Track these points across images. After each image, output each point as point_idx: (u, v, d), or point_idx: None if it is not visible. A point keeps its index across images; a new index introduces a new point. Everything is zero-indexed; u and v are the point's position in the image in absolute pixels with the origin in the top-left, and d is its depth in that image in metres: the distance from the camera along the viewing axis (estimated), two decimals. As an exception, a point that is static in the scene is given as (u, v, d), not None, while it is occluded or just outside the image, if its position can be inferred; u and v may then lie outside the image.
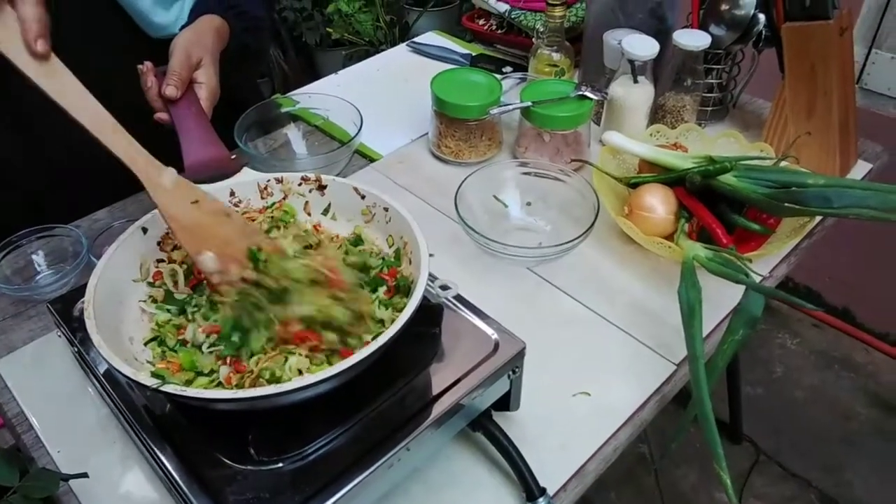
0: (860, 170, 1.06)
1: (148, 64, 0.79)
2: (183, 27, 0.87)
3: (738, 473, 1.65)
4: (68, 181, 0.94)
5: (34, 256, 0.87)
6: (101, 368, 0.63)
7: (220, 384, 0.57)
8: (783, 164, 0.90)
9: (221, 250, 0.61)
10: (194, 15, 0.89)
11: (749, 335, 0.73)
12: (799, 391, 1.85)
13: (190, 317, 0.63)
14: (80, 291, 0.67)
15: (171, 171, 0.64)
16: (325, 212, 0.73)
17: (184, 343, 0.62)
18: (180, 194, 0.63)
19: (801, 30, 0.94)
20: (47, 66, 0.60)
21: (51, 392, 0.73)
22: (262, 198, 0.73)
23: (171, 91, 0.76)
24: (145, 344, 0.62)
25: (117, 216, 0.95)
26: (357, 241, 0.71)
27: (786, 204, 0.81)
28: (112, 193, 0.97)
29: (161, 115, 0.78)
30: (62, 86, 0.61)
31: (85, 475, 0.62)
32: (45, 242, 0.87)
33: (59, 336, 0.72)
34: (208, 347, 0.60)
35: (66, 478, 0.62)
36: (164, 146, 0.77)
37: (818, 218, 0.90)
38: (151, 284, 0.66)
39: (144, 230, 0.67)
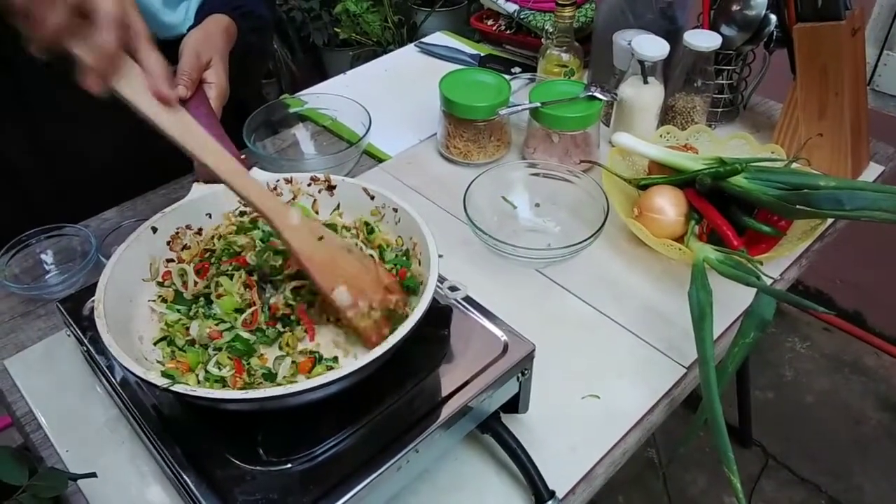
0: (872, 172, 1.05)
1: (157, 64, 0.79)
2: (190, 28, 0.87)
3: (747, 478, 1.64)
4: (75, 182, 0.94)
5: (43, 256, 0.87)
6: (110, 368, 0.63)
7: (226, 384, 0.57)
8: (794, 165, 0.89)
9: (350, 284, 0.61)
10: (200, 15, 0.89)
11: (760, 338, 0.72)
12: (809, 395, 1.83)
13: (193, 314, 0.64)
14: (89, 291, 0.67)
15: (298, 210, 0.64)
16: (334, 212, 0.73)
17: (192, 343, 0.62)
18: (307, 231, 0.62)
19: (813, 30, 0.94)
20: (174, 112, 0.62)
21: (59, 391, 0.73)
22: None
23: (181, 91, 0.76)
24: (155, 343, 0.62)
25: (126, 215, 0.95)
26: (370, 230, 0.71)
27: (797, 206, 0.80)
28: (116, 195, 0.98)
29: (171, 116, 0.78)
30: (188, 131, 0.62)
31: (93, 475, 0.62)
32: (55, 242, 0.87)
33: (68, 335, 0.72)
34: (213, 350, 0.60)
35: (75, 477, 0.62)
36: (175, 146, 0.77)
37: (829, 220, 0.90)
38: (161, 284, 0.66)
39: (154, 229, 0.67)
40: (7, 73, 0.85)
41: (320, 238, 0.62)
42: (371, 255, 0.67)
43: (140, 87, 0.60)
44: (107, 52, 0.57)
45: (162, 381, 0.51)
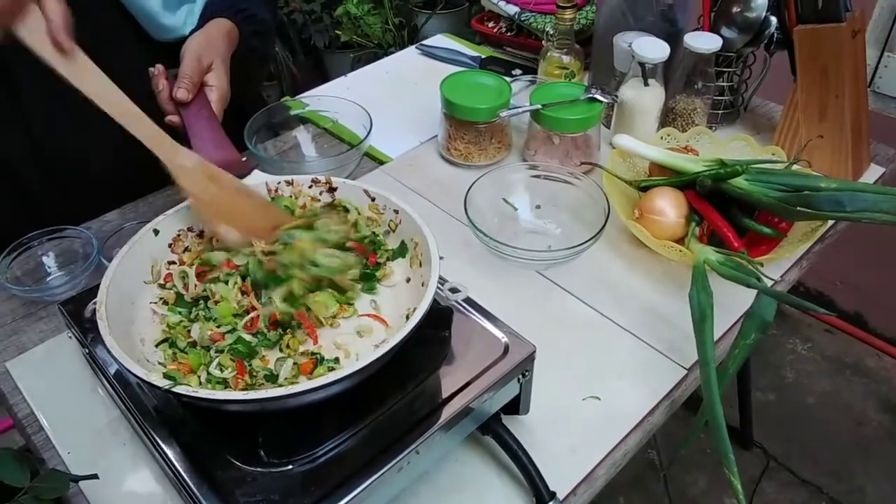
0: (873, 173, 1.05)
1: (159, 67, 0.79)
2: (193, 31, 0.87)
3: (748, 480, 1.64)
4: (76, 184, 0.95)
5: (45, 258, 0.87)
6: (112, 369, 0.64)
7: (228, 386, 0.58)
8: (795, 167, 0.89)
9: (243, 224, 0.67)
10: (204, 19, 0.89)
11: (760, 340, 0.72)
12: (810, 397, 1.83)
13: (193, 316, 0.64)
14: (90, 293, 0.68)
15: (191, 152, 0.69)
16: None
17: (194, 345, 0.62)
18: (199, 173, 0.68)
19: (814, 32, 0.94)
20: (72, 58, 0.63)
21: (61, 393, 0.73)
22: (272, 200, 0.73)
23: (182, 94, 0.77)
24: (156, 345, 0.62)
25: (128, 217, 0.95)
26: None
27: (797, 208, 0.80)
28: (118, 197, 0.98)
29: (172, 118, 0.78)
30: (87, 76, 0.64)
31: (95, 476, 0.62)
32: (56, 244, 0.88)
33: (70, 337, 0.72)
34: (215, 352, 0.60)
35: (76, 479, 0.62)
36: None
37: (830, 222, 0.90)
38: (162, 286, 0.66)
39: (156, 231, 0.67)
40: (6, 75, 0.85)
41: (212, 178, 0.68)
42: (268, 201, 0.72)
43: (41, 35, 0.62)
44: None
45: (163, 383, 0.51)
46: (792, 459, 1.69)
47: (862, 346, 1.95)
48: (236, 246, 0.67)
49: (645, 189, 0.90)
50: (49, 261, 0.87)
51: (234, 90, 0.85)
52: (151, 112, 0.79)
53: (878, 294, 1.88)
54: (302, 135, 1.11)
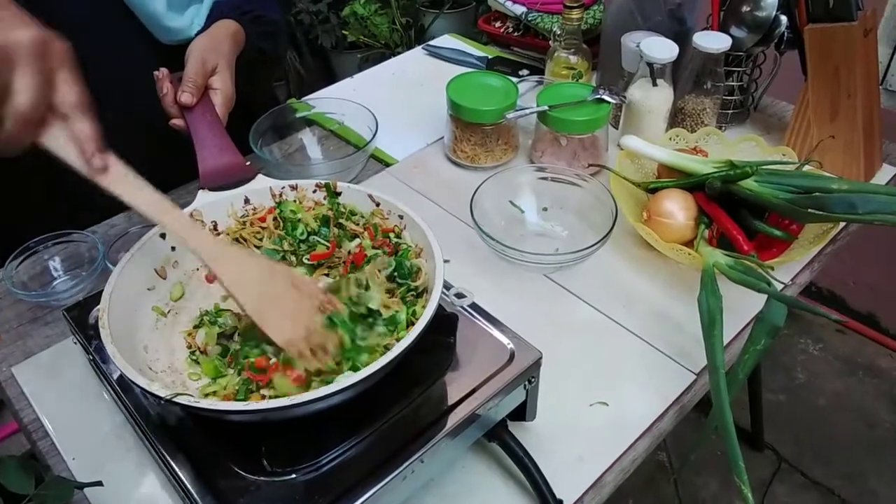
0: (885, 174, 1.03)
1: (164, 70, 0.79)
2: (199, 33, 0.87)
3: (759, 481, 1.63)
4: (82, 188, 0.95)
5: (51, 262, 0.87)
6: (116, 376, 0.63)
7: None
8: (806, 168, 0.88)
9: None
10: (210, 21, 0.89)
11: (771, 345, 0.71)
12: (822, 398, 1.81)
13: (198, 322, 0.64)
14: (95, 298, 0.67)
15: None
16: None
17: (202, 352, 0.62)
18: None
19: (825, 31, 0.92)
20: (107, 173, 0.58)
21: (66, 398, 0.73)
22: (277, 205, 0.72)
23: (186, 98, 0.76)
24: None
25: (134, 221, 0.95)
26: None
27: (809, 210, 0.79)
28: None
29: (177, 122, 0.78)
30: (126, 187, 0.59)
31: (100, 483, 0.62)
32: (62, 248, 0.87)
33: (75, 343, 0.72)
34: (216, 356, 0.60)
35: (81, 486, 0.62)
36: (180, 152, 0.77)
37: (842, 224, 0.89)
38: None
39: (163, 235, 0.67)
40: None
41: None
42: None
43: (71, 146, 0.57)
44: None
45: (165, 393, 0.51)
46: (803, 461, 1.67)
47: (874, 346, 1.93)
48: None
49: (653, 191, 0.89)
50: (55, 265, 0.87)
51: (243, 92, 0.85)
52: (158, 115, 0.79)
53: (891, 294, 1.86)
54: (307, 137, 1.11)
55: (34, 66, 0.53)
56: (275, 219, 0.71)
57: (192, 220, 0.62)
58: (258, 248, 0.70)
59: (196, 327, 0.65)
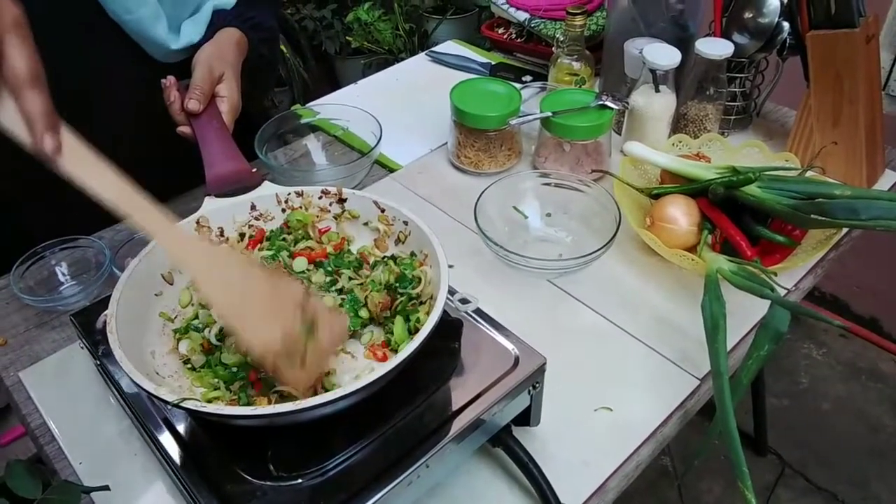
0: (888, 180, 1.03)
1: (171, 78, 0.80)
2: (202, 41, 0.87)
3: (762, 486, 1.63)
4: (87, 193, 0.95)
5: (57, 267, 0.87)
6: (123, 381, 0.64)
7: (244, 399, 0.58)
8: (809, 174, 0.89)
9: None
10: (213, 29, 0.89)
11: (775, 350, 0.72)
12: (825, 403, 1.81)
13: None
14: (102, 303, 0.68)
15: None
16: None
17: (210, 352, 0.62)
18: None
19: (827, 38, 0.93)
20: (61, 154, 0.54)
21: (73, 403, 0.74)
22: (283, 211, 0.73)
23: (193, 105, 0.77)
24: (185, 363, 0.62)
25: (139, 227, 0.96)
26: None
27: (812, 215, 0.79)
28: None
29: (184, 129, 0.79)
30: (79, 164, 0.55)
31: (106, 488, 0.62)
32: (69, 253, 0.88)
33: (82, 347, 0.72)
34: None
35: (88, 490, 0.62)
36: (186, 159, 0.78)
37: (845, 230, 0.89)
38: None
39: None
40: None
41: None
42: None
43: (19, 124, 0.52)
44: None
45: (172, 397, 0.51)
46: (807, 466, 1.67)
47: (877, 351, 1.92)
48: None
49: (656, 197, 0.90)
50: (62, 270, 0.88)
51: (244, 99, 0.85)
52: (163, 123, 0.79)
53: (894, 299, 1.86)
54: (312, 143, 1.12)
55: None
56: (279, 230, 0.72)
57: (159, 213, 0.56)
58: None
59: (180, 337, 0.64)
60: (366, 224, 0.72)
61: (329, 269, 0.68)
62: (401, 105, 1.22)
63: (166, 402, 0.52)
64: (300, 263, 0.68)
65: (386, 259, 0.69)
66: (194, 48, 0.86)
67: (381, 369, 0.53)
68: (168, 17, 0.86)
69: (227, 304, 0.54)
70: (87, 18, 0.83)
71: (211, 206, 0.70)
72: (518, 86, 1.06)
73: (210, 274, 0.55)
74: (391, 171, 1.08)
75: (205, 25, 0.90)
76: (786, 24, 1.00)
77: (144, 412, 0.61)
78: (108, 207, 0.53)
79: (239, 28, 0.89)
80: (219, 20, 0.90)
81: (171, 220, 0.57)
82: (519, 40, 1.32)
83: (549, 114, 0.97)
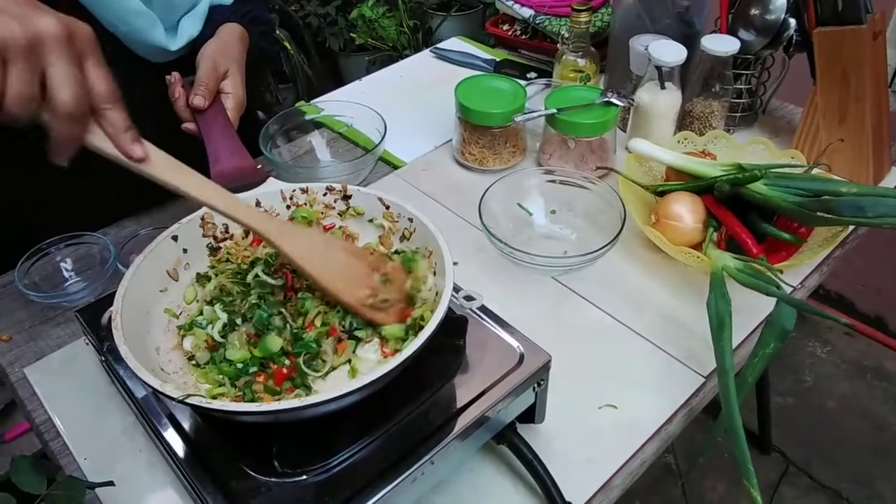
0: (894, 177, 1.03)
1: (175, 74, 0.79)
2: (202, 37, 0.87)
3: (767, 484, 1.62)
4: (94, 189, 0.95)
5: (62, 264, 0.87)
6: (128, 377, 0.64)
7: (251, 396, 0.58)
8: (815, 171, 0.88)
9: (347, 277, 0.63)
10: (212, 26, 0.89)
11: (780, 348, 0.71)
12: (830, 401, 1.81)
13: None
14: (107, 299, 0.68)
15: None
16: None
17: (215, 349, 0.62)
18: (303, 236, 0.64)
19: (833, 34, 0.92)
20: (148, 161, 0.56)
21: (78, 399, 0.74)
22: (288, 208, 0.73)
23: (198, 101, 0.77)
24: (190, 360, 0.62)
25: (144, 224, 0.96)
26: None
27: (818, 213, 0.79)
28: (134, 203, 0.98)
29: (188, 125, 0.79)
30: (172, 172, 0.58)
31: (111, 483, 0.62)
32: (74, 250, 0.88)
33: (87, 343, 0.72)
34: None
35: (92, 486, 0.62)
36: (191, 156, 0.78)
37: (851, 227, 0.88)
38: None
39: (175, 238, 0.67)
40: None
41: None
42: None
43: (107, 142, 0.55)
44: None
45: (177, 394, 0.51)
46: (811, 464, 1.67)
47: (882, 349, 1.92)
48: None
49: (662, 194, 0.90)
50: (67, 266, 0.88)
51: (248, 95, 0.85)
52: (170, 119, 0.79)
53: (899, 297, 1.85)
54: (317, 139, 1.12)
55: (67, 55, 0.49)
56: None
57: (244, 203, 0.62)
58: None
59: (184, 334, 0.64)
60: (370, 221, 0.72)
61: None
62: (405, 102, 1.22)
63: (171, 399, 0.52)
64: None
65: (391, 255, 0.69)
66: (194, 43, 0.86)
67: (385, 366, 0.53)
68: (163, 21, 0.86)
69: (324, 276, 0.61)
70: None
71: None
72: (523, 82, 1.06)
73: (309, 253, 0.62)
74: (395, 167, 1.07)
75: (202, 20, 0.90)
76: (792, 21, 0.99)
77: (149, 408, 0.61)
78: (197, 202, 0.59)
79: (239, 23, 0.89)
80: (218, 15, 0.90)
81: (248, 206, 0.63)
82: (524, 37, 1.32)
83: (554, 110, 0.97)
